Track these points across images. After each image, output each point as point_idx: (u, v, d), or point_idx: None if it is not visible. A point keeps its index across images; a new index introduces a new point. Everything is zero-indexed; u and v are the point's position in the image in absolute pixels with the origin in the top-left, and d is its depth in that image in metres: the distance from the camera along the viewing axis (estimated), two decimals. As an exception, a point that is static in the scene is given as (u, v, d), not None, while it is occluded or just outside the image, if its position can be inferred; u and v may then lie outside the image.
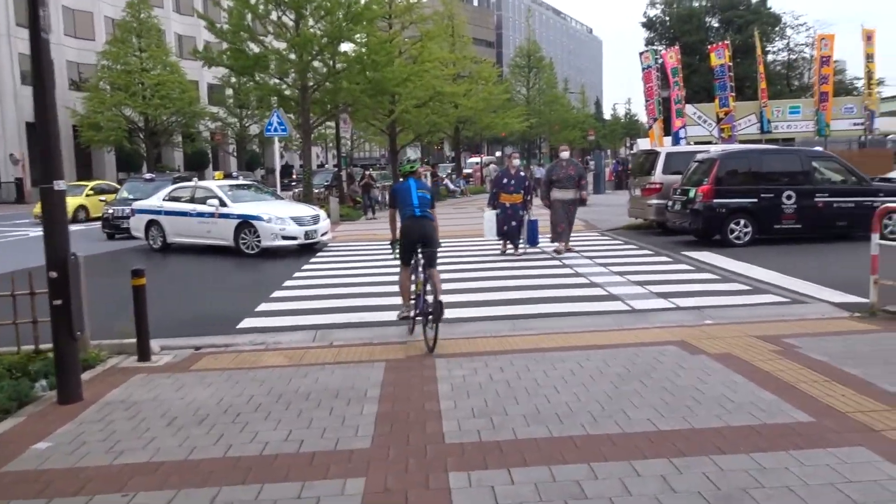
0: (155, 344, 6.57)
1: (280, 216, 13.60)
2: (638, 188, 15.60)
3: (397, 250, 6.74)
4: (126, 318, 6.52)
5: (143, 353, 6.21)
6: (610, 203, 23.99)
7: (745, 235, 12.31)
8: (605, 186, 34.90)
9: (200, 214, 14.18)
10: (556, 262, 11.31)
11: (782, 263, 10.33)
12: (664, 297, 8.31)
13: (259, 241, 13.50)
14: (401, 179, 7.04)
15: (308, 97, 22.44)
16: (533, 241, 12.23)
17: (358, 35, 23.17)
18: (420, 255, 6.60)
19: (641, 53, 32.57)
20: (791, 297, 8.04)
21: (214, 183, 15.68)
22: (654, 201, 14.64)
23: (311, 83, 22.59)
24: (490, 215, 12.43)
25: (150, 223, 15.00)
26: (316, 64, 22.78)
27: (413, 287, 6.69)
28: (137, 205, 15.56)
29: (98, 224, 19.25)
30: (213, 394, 5.11)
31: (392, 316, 7.35)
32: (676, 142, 32.71)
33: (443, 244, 7.10)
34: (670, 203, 13.48)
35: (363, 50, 22.82)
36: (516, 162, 12.76)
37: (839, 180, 12.76)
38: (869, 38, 34.04)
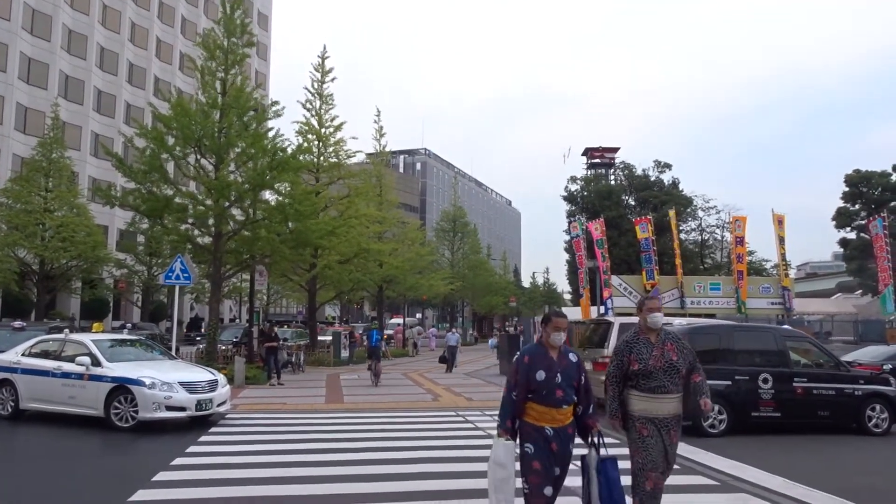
0: None
1: (167, 381, 11.03)
2: (588, 362, 13.93)
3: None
4: None
5: None
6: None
7: (720, 424, 10.62)
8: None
9: (66, 375, 11.42)
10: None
11: (779, 463, 8.58)
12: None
13: (136, 412, 10.80)
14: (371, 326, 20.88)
15: (222, 245, 20.44)
16: None
17: (281, 185, 21.83)
18: (372, 358, 19.76)
19: (570, 222, 32.81)
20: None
21: (89, 336, 12.97)
22: (608, 377, 12.94)
23: (226, 230, 20.69)
24: (505, 459, 4.86)
25: (2, 383, 12.09)
26: (234, 211, 21.05)
27: (372, 366, 19.43)
28: (-12, 360, 12.64)
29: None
30: None
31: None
32: (606, 312, 32.16)
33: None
34: (631, 382, 11.78)
35: (286, 200, 21.36)
36: (559, 337, 5.07)
37: (815, 364, 11.49)
38: (780, 222, 35.49)
